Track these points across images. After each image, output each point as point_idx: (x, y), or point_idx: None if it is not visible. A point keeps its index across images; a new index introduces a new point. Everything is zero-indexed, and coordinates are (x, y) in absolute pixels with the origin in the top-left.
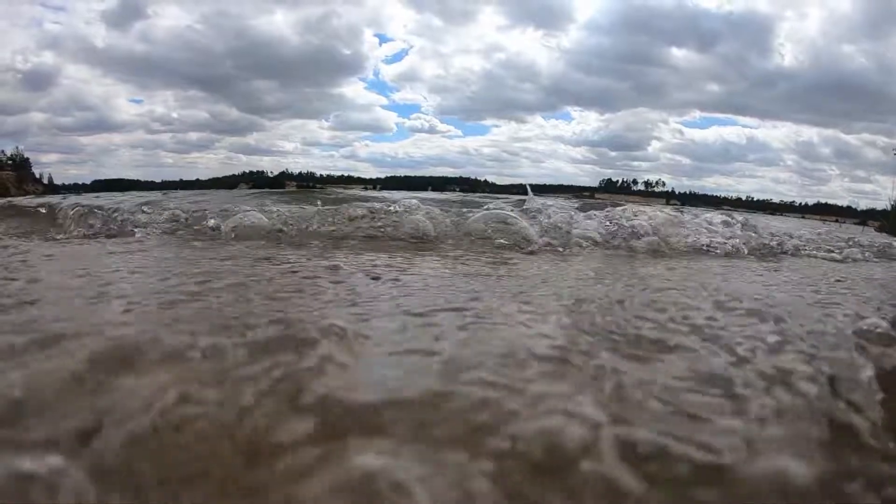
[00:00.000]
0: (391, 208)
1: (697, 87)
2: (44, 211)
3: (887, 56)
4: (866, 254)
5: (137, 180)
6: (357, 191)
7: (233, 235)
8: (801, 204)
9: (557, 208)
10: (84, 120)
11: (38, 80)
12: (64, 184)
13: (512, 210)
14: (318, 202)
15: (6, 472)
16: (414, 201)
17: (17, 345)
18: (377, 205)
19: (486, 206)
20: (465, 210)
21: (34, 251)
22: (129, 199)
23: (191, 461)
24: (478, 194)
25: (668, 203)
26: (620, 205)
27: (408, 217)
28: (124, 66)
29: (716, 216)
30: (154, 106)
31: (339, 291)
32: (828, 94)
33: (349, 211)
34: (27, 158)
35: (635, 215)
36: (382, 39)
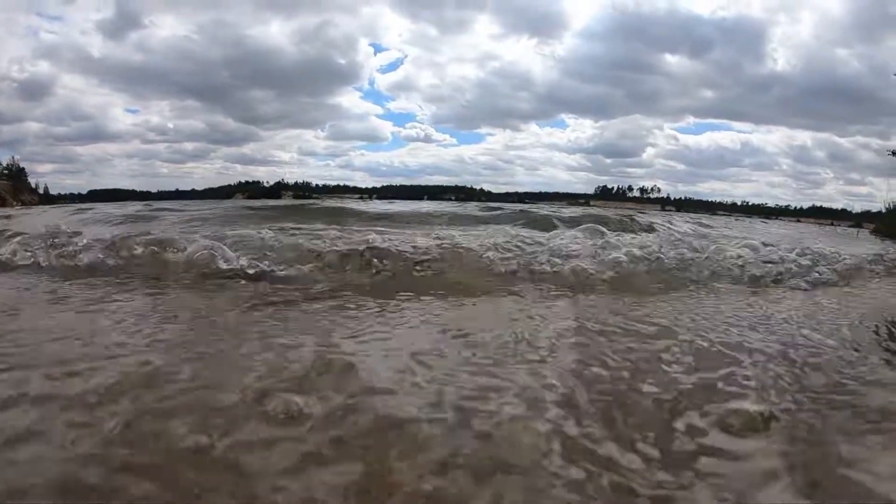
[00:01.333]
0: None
1: (691, 94)
2: None
3: (880, 59)
4: None
5: (133, 190)
6: (353, 203)
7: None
8: (796, 207)
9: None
10: (80, 130)
11: (33, 90)
12: (60, 193)
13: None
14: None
15: None
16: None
17: None
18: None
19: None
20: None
21: None
22: (108, 212)
23: None
24: (474, 203)
25: (663, 209)
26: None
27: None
28: (120, 76)
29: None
30: (150, 116)
31: None
32: (821, 98)
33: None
34: (23, 168)
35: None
36: (378, 49)
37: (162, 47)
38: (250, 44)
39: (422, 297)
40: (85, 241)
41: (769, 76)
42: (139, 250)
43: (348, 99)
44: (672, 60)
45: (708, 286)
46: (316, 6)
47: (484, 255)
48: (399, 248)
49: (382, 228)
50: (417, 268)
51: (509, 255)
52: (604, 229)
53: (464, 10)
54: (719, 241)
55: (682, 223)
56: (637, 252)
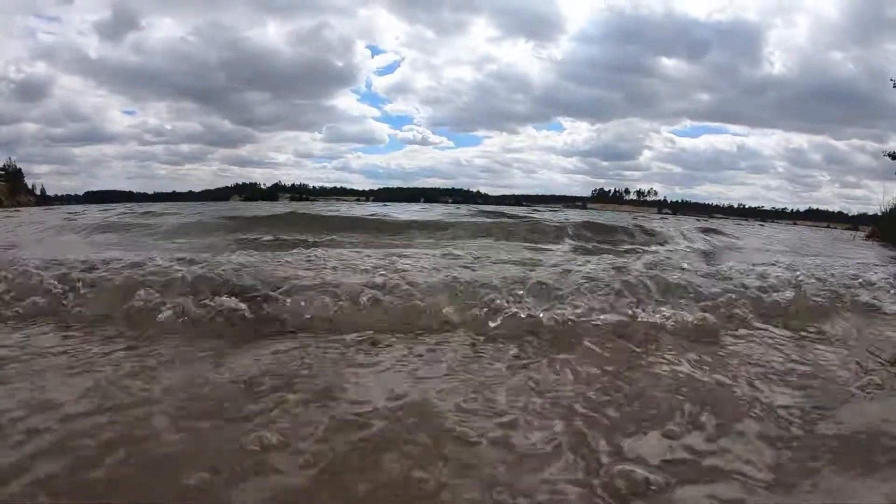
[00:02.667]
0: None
1: (688, 97)
2: None
3: (876, 62)
4: None
5: (130, 192)
6: (345, 207)
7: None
8: (792, 210)
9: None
10: (77, 131)
11: (31, 91)
12: (56, 195)
13: None
14: None
15: None
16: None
17: None
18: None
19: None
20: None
21: None
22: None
23: None
24: (468, 207)
25: (660, 212)
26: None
27: None
28: (117, 78)
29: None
30: (147, 117)
31: None
32: (817, 101)
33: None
34: (20, 169)
35: None
36: (375, 51)
37: (159, 49)
38: (247, 46)
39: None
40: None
41: (765, 79)
42: (82, 289)
43: (345, 101)
44: (669, 63)
45: None
46: (312, 8)
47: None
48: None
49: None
50: None
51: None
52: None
53: (461, 13)
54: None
55: (701, 235)
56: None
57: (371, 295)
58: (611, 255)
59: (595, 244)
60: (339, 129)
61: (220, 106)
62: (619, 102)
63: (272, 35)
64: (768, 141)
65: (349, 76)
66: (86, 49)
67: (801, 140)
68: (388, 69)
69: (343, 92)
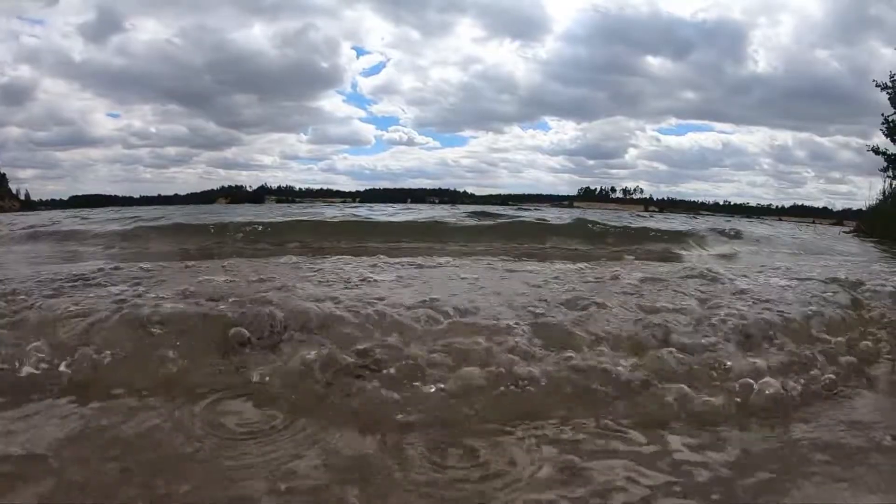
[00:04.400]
0: None
1: (673, 95)
2: None
3: (859, 60)
4: None
5: (115, 196)
6: (324, 207)
7: None
8: (777, 206)
9: None
10: (61, 134)
11: (14, 94)
12: (41, 199)
13: None
14: None
15: None
16: None
17: None
18: None
19: None
20: None
21: None
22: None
23: None
24: (451, 207)
25: (646, 209)
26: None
27: None
28: (102, 80)
29: None
30: (132, 120)
31: None
32: (802, 99)
33: None
34: (3, 174)
35: None
36: (360, 52)
37: (143, 51)
38: (232, 48)
39: None
40: None
41: (750, 77)
42: None
43: (331, 102)
44: (654, 62)
45: None
46: (298, 10)
47: None
48: None
49: None
50: None
51: None
52: None
53: (446, 14)
54: None
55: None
56: None
57: None
58: (637, 269)
59: (598, 250)
60: (325, 130)
61: (206, 108)
62: (604, 101)
63: (257, 37)
64: (753, 138)
65: (335, 77)
66: (70, 52)
67: (785, 137)
68: (374, 70)
69: (328, 93)
